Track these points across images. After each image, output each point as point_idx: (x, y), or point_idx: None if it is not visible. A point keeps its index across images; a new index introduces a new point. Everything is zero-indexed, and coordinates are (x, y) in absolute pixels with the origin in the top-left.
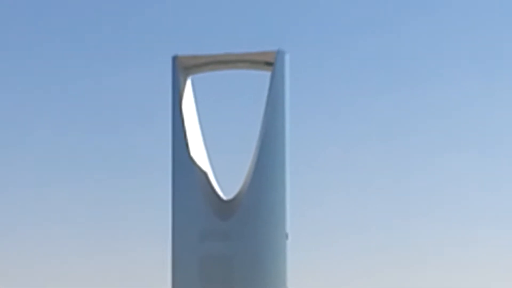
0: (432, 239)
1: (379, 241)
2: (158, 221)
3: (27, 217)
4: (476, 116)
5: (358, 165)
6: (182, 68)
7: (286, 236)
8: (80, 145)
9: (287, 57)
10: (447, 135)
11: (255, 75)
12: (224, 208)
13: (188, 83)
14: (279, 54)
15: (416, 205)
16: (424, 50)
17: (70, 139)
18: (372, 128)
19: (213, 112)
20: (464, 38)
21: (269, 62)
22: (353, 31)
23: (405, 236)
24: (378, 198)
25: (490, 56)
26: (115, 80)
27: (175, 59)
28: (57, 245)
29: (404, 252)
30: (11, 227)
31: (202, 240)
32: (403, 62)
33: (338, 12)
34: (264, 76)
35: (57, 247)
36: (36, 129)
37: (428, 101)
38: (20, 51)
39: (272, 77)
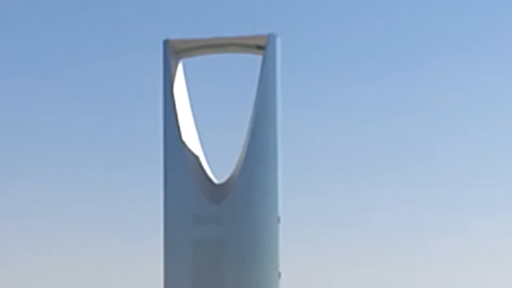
0: (429, 226)
1: (372, 224)
2: (150, 205)
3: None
4: (470, 104)
5: (351, 149)
6: (173, 52)
7: (278, 220)
8: (69, 132)
9: (278, 41)
10: (443, 120)
11: (246, 58)
12: (216, 192)
13: (180, 67)
14: (270, 37)
15: (413, 194)
16: (417, 35)
17: (59, 123)
18: (364, 112)
19: (204, 96)
20: (461, 26)
21: (261, 46)
22: (345, 15)
23: (399, 222)
24: (371, 181)
25: (486, 43)
26: (106, 64)
27: (166, 43)
28: (52, 231)
29: (397, 237)
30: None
31: (194, 224)
32: (396, 47)
33: None
34: (255, 59)
35: (51, 233)
36: (28, 113)
37: (423, 85)
38: (8, 35)
39: (264, 61)
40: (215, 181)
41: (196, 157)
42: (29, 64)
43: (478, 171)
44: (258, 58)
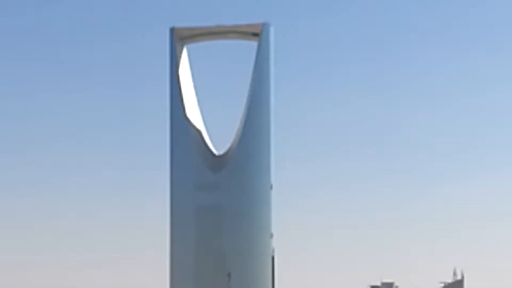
0: (411, 194)
1: (358, 191)
2: (157, 174)
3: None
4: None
5: (338, 125)
6: (179, 39)
7: (271, 187)
8: (84, 108)
9: (272, 29)
10: (432, 96)
11: (243, 44)
12: (216, 162)
13: (184, 51)
14: (265, 26)
15: (398, 164)
16: (404, 23)
17: (72, 103)
18: (350, 91)
19: (206, 77)
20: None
21: (256, 33)
22: (334, 5)
23: (384, 189)
24: (360, 152)
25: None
26: (118, 49)
27: (172, 30)
28: (62, 197)
29: (383, 202)
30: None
31: (197, 191)
32: (383, 35)
33: None
34: (251, 45)
35: (62, 200)
36: (37, 95)
37: (407, 67)
38: (20, 16)
39: (259, 47)
40: (215, 152)
41: (199, 131)
42: (42, 48)
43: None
44: (253, 44)
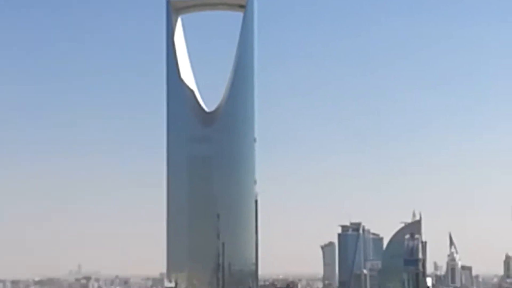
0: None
1: (324, 143)
2: (155, 129)
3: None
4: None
5: (316, 84)
6: (174, 9)
7: (255, 140)
8: (87, 70)
9: (256, 1)
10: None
11: (231, 15)
12: (207, 118)
13: (179, 21)
14: None
15: (372, 110)
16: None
17: (79, 68)
18: (329, 50)
19: (198, 44)
20: None
21: (242, 5)
22: None
23: (356, 141)
24: (332, 116)
25: None
26: (121, 20)
27: (168, 2)
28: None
29: (354, 153)
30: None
31: (190, 143)
32: (367, 4)
33: None
34: (238, 16)
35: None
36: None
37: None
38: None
39: (244, 16)
40: (207, 109)
41: (192, 91)
42: (50, 29)
43: None
44: (240, 14)
